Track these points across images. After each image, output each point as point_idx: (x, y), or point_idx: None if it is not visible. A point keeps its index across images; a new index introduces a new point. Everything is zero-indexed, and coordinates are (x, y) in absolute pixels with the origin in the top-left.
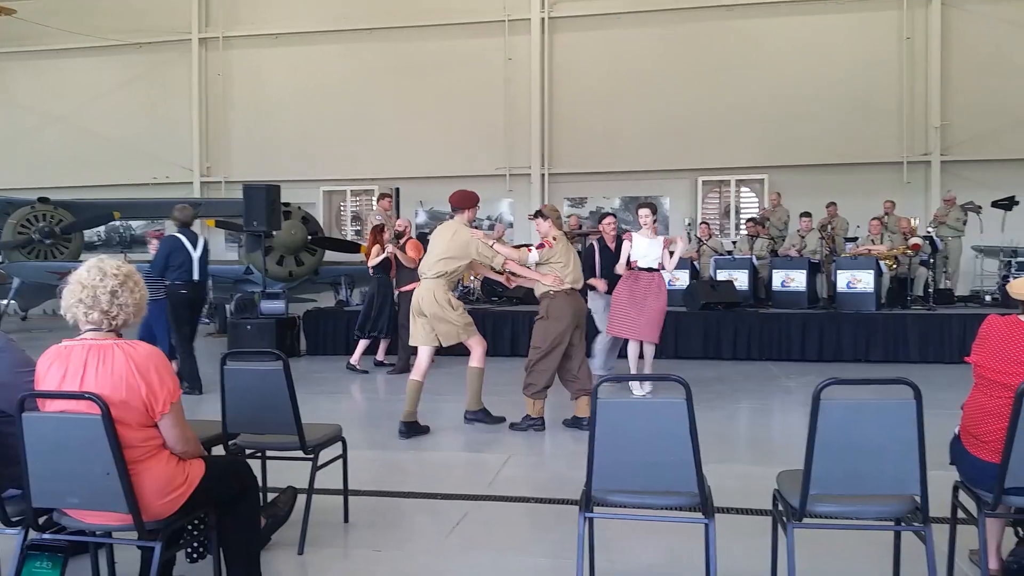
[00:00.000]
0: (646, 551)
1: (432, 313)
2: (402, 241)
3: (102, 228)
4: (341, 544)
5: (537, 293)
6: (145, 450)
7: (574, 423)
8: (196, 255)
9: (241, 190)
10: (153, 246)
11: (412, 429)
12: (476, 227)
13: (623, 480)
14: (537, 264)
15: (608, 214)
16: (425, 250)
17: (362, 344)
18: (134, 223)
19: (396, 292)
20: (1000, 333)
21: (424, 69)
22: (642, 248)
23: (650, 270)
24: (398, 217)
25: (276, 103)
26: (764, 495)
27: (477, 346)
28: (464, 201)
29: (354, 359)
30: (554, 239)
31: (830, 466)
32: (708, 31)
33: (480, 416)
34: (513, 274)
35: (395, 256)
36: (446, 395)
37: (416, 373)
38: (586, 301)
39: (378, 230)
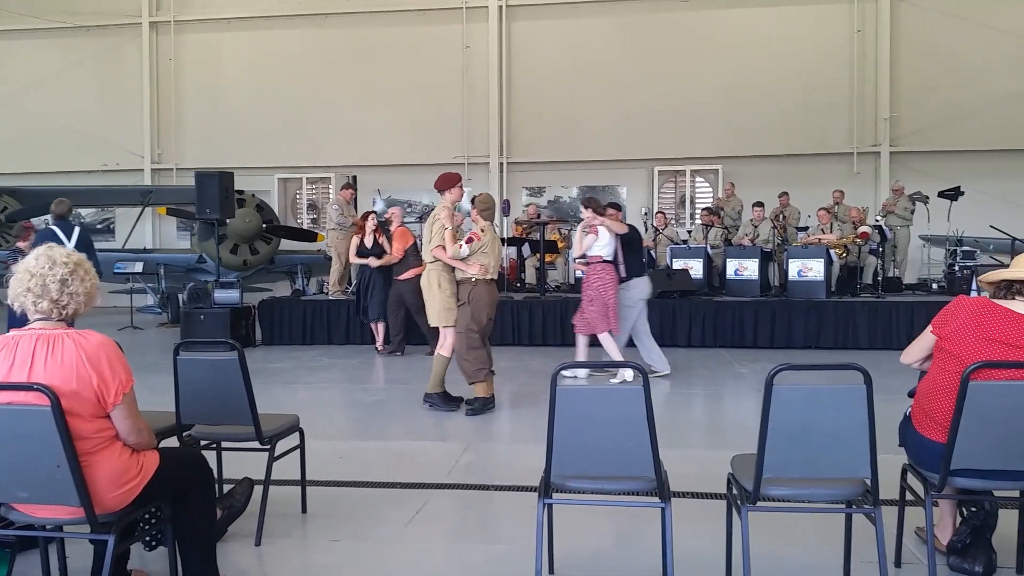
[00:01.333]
0: (604, 536)
1: (425, 292)
2: (392, 228)
3: (50, 216)
4: (299, 535)
5: (458, 278)
6: (97, 442)
7: (471, 403)
8: (70, 246)
9: (193, 177)
10: (24, 239)
11: (438, 399)
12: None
13: (581, 466)
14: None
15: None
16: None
17: (380, 328)
18: (84, 211)
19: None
20: (971, 308)
21: (381, 56)
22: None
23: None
24: (356, 207)
25: (229, 89)
26: (719, 479)
27: (450, 336)
28: (443, 183)
29: (378, 344)
30: (482, 231)
31: (783, 450)
32: (664, 22)
33: (436, 400)
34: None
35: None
36: (407, 384)
37: (442, 348)
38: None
39: (364, 217)
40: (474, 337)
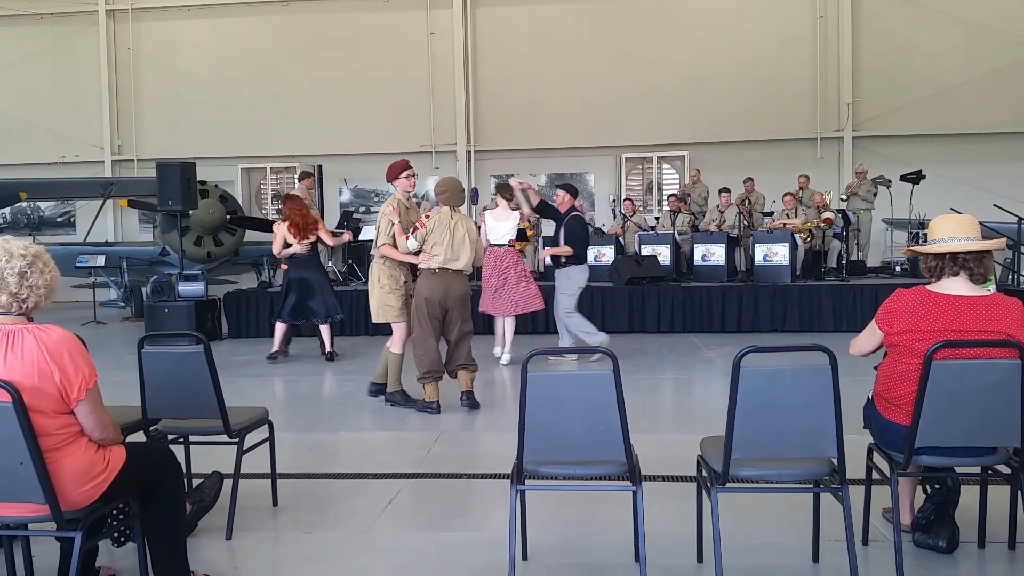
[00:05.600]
0: (577, 520)
1: (369, 288)
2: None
3: (7, 209)
4: (270, 528)
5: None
6: (62, 438)
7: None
8: None
9: (155, 168)
10: None
11: (381, 392)
12: (417, 200)
13: (553, 452)
14: (422, 244)
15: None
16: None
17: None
18: (43, 204)
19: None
20: (911, 305)
21: (346, 43)
22: (490, 225)
23: (499, 246)
24: (322, 196)
25: (190, 78)
26: (689, 462)
27: (395, 330)
28: (389, 173)
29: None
30: (427, 217)
31: (751, 432)
32: (628, 8)
33: (396, 399)
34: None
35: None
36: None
37: (393, 345)
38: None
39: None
40: (417, 333)
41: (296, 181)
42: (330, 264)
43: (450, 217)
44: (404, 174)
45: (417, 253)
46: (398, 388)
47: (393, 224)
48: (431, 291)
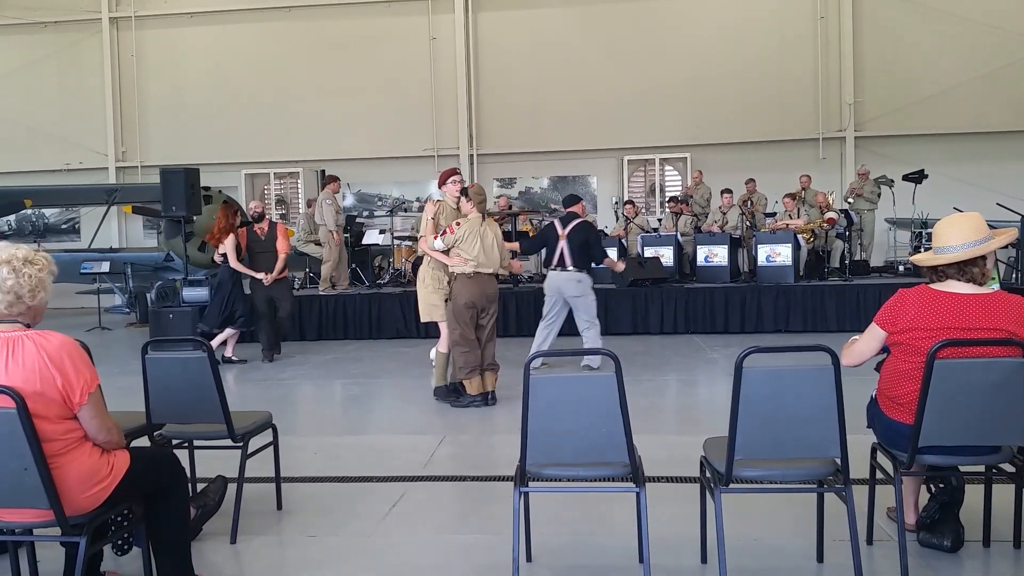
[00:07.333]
0: (580, 522)
1: (417, 288)
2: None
3: (12, 216)
4: (275, 531)
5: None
6: (66, 443)
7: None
8: None
9: (159, 174)
10: None
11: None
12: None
13: (556, 454)
14: (449, 247)
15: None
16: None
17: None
18: (47, 211)
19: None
20: (914, 303)
21: (347, 48)
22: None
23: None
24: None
25: (193, 84)
26: (692, 463)
27: (443, 330)
28: (438, 180)
29: (229, 352)
30: (458, 223)
31: (754, 432)
32: (629, 10)
33: (440, 394)
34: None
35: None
36: (380, 378)
37: (440, 344)
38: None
39: (232, 213)
40: (455, 334)
41: (301, 187)
42: None
43: (479, 224)
44: (451, 180)
45: (445, 254)
46: (444, 383)
47: (427, 221)
48: (469, 294)
